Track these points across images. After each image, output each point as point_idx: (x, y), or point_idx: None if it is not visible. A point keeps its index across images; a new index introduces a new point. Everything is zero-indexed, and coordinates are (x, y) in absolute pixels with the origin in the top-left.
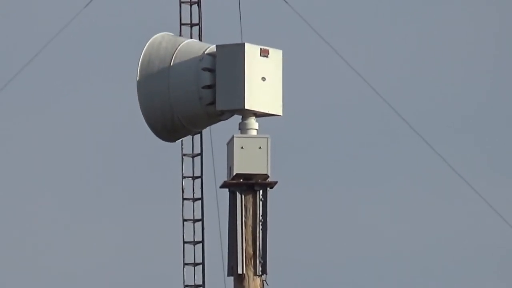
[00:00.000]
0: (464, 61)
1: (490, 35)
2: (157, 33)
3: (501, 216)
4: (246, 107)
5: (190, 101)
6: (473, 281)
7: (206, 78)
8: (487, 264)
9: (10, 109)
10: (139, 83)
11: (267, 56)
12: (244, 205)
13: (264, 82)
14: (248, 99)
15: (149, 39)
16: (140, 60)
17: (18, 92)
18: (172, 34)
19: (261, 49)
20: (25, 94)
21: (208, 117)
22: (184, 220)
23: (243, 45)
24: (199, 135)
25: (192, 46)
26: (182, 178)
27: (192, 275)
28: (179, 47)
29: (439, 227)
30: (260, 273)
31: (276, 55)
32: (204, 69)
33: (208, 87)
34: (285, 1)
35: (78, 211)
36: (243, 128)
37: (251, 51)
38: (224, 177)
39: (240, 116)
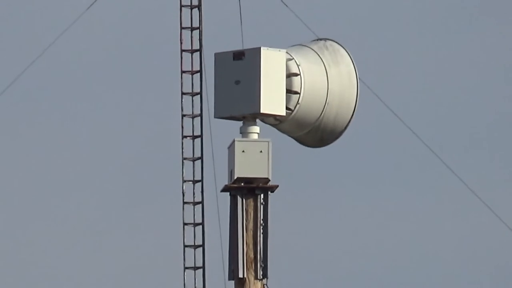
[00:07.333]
0: (470, 70)
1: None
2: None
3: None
4: (215, 116)
5: None
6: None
7: None
8: (491, 270)
9: (8, 111)
10: None
11: (241, 59)
12: (245, 209)
13: (238, 86)
14: (216, 106)
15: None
16: None
17: (14, 95)
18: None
19: (234, 53)
20: (22, 97)
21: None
22: (185, 224)
23: (214, 54)
24: (199, 139)
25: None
26: (183, 182)
27: (193, 279)
28: None
29: (439, 234)
30: (261, 277)
31: (252, 55)
32: None
33: None
34: (285, 5)
35: (77, 213)
36: (244, 132)
37: (219, 57)
38: (224, 181)
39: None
